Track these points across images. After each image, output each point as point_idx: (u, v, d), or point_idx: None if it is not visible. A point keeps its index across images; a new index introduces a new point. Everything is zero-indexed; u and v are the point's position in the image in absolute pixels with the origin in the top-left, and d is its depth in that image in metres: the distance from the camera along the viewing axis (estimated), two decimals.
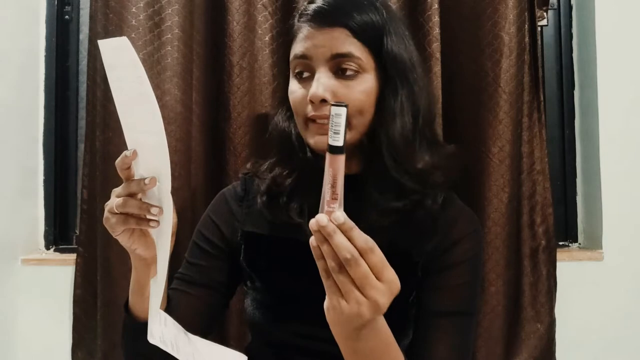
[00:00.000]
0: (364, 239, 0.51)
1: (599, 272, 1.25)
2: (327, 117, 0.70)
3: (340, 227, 0.50)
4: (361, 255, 0.51)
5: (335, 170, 0.52)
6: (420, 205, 0.74)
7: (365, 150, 0.75)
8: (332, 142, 0.51)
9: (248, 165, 0.88)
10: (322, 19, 0.71)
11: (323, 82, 0.70)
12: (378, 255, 0.52)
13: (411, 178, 0.73)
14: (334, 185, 0.52)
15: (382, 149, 0.72)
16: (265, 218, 0.81)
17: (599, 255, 1.25)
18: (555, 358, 1.20)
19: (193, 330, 0.73)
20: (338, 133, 0.51)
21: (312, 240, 0.52)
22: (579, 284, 1.25)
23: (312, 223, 0.51)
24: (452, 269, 0.76)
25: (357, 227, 0.52)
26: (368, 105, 0.72)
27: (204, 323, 0.82)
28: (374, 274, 0.52)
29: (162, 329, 0.67)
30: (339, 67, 0.71)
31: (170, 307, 0.77)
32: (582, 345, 1.24)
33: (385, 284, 0.52)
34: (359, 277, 0.51)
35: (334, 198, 0.51)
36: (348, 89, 0.71)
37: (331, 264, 0.51)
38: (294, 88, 0.75)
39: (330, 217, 0.51)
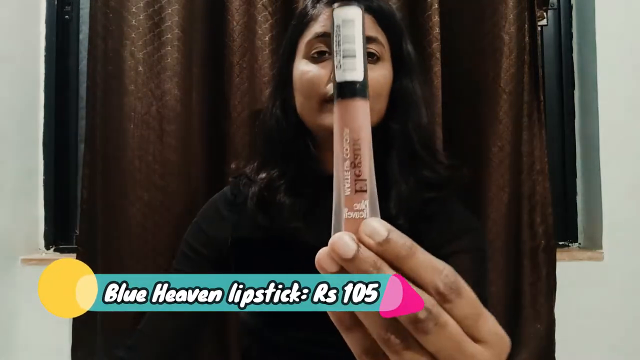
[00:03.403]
0: (444, 272, 0.27)
1: (599, 272, 1.25)
2: None
3: (386, 251, 0.26)
4: (441, 304, 0.27)
5: (356, 131, 0.27)
6: (437, 200, 0.74)
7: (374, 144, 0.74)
8: (345, 77, 0.27)
9: (232, 166, 0.86)
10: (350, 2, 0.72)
11: None
12: (469, 298, 0.28)
13: (441, 167, 0.74)
14: (355, 163, 0.27)
15: (408, 132, 0.72)
16: (256, 222, 0.77)
17: (599, 255, 1.25)
18: (555, 358, 1.20)
19: (180, 340, 0.71)
20: (354, 56, 0.26)
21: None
22: (579, 284, 1.25)
23: (323, 258, 0.27)
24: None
25: (419, 246, 0.28)
26: (384, 93, 0.73)
27: (194, 331, 0.80)
28: (467, 333, 0.27)
29: None
30: None
31: (156, 320, 0.75)
32: (582, 345, 1.24)
33: (488, 346, 0.28)
34: (446, 347, 0.27)
35: (359, 189, 0.27)
36: (370, 71, 0.70)
37: (387, 337, 0.26)
38: (308, 68, 0.72)
39: (360, 232, 0.26)
